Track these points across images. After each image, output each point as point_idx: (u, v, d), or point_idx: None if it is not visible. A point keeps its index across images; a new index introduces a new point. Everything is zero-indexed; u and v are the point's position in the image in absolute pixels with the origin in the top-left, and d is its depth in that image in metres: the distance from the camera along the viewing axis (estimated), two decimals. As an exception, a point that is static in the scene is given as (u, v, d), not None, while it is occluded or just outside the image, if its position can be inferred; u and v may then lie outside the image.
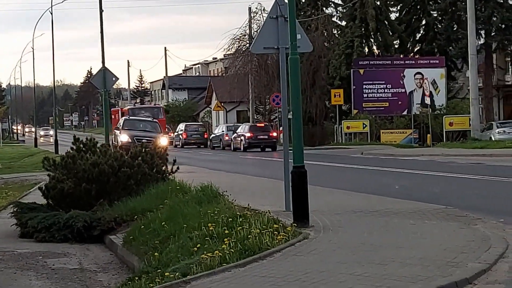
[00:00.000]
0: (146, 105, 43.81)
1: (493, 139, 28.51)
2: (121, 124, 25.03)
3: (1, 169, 24.63)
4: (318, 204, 8.10)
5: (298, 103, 7.16)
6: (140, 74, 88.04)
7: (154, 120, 26.70)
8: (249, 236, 6.12)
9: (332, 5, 37.91)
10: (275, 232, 6.22)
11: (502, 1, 32.89)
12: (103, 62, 19.64)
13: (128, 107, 36.24)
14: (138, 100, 71.38)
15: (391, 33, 35.64)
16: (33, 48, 51.81)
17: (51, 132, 54.78)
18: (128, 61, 79.17)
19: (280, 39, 7.41)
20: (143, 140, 17.90)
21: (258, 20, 36.16)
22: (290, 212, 7.36)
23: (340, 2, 37.28)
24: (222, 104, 44.66)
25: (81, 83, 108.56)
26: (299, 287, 4.09)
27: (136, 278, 6.52)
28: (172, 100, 54.53)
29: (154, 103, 58.44)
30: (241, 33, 37.95)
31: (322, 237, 6.40)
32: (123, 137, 21.62)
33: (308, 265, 4.80)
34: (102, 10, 20.77)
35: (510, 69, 36.42)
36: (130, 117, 28.17)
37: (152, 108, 35.38)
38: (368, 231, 6.75)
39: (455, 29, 33.85)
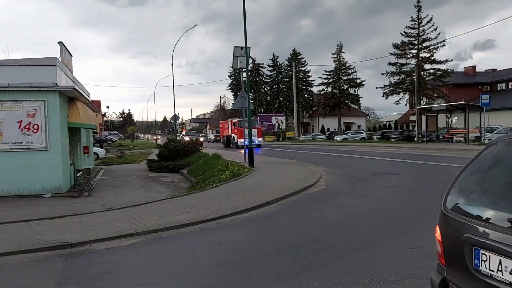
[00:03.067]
0: (240, 119, 59.76)
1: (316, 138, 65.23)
2: (184, 133, 61.19)
3: (138, 147, 53.17)
4: (255, 161, 18.51)
5: (250, 124, 19.02)
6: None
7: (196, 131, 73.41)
8: (234, 170, 15.24)
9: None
10: (244, 169, 16.04)
11: (305, 93, 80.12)
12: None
13: (236, 120, 44.54)
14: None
15: (269, 100, 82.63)
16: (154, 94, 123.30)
17: (155, 136, 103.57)
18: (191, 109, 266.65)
19: (243, 104, 18.93)
20: (193, 138, 36.79)
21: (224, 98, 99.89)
22: (247, 163, 18.03)
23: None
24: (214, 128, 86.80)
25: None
26: (257, 183, 12.82)
27: (194, 184, 15.17)
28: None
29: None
30: (217, 105, 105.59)
31: (258, 171, 16.23)
32: (186, 138, 43.01)
33: (256, 178, 14.10)
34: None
35: (305, 116, 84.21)
36: (188, 131, 72.47)
37: (252, 121, 55.99)
38: (274, 168, 17.06)
39: (288, 104, 77.68)
